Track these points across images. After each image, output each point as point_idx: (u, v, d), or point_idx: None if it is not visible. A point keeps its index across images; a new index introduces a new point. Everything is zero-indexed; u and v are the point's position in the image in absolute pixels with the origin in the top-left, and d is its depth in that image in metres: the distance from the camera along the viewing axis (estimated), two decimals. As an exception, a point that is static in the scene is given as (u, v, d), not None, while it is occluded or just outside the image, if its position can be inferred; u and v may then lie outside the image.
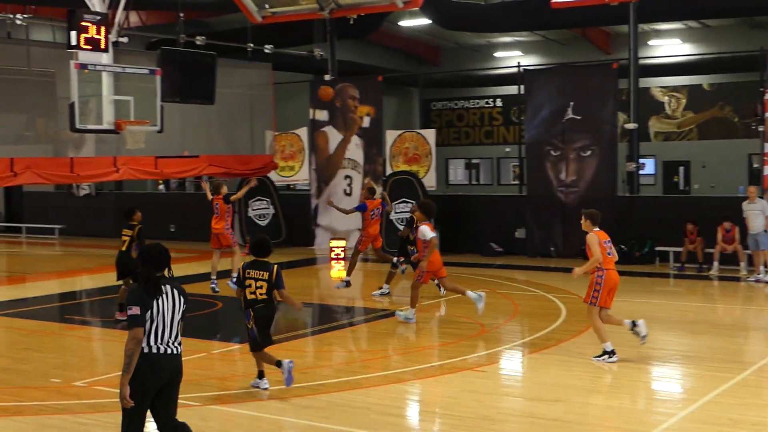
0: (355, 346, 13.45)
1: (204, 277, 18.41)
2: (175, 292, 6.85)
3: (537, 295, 17.22)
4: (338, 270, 22.05)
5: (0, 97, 20.63)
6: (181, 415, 9.32)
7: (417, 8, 25.38)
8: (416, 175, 24.68)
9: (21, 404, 9.84)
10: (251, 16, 24.52)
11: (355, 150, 25.97)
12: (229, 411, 9.43)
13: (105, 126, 16.84)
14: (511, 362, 12.10)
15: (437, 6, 27.63)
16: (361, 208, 17.51)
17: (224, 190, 17.38)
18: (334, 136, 26.27)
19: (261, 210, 26.64)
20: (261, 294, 9.85)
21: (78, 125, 16.30)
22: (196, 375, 11.04)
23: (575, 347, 12.40)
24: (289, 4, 24.93)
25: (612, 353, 11.45)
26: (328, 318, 16.20)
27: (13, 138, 22.14)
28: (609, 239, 11.54)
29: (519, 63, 26.75)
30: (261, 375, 10.26)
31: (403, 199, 24.21)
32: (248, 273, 9.88)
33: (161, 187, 34.77)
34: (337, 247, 23.61)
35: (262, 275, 9.84)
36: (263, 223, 26.56)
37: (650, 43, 33.25)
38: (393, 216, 24.09)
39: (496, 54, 37.26)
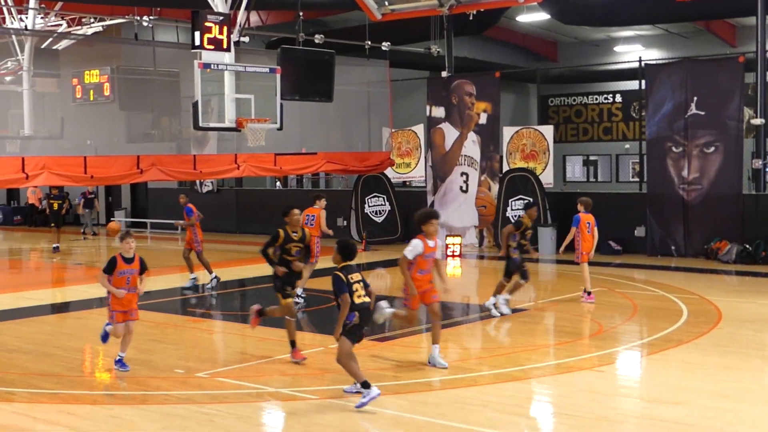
0: (471, 344, 13.42)
1: (319, 273, 18.61)
2: None
3: (657, 294, 16.87)
4: (454, 267, 22.05)
5: (127, 97, 21.35)
6: (300, 408, 9.51)
7: (535, 3, 25.16)
8: (533, 171, 24.49)
9: (147, 393, 10.16)
10: (371, 14, 24.71)
11: (471, 146, 25.92)
12: (347, 405, 9.54)
13: (227, 124, 17.23)
14: (630, 363, 11.90)
15: (556, 0, 27.31)
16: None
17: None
18: (450, 133, 26.26)
19: (377, 206, 26.84)
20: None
21: (201, 123, 16.72)
22: (314, 369, 11.22)
23: (697, 349, 12.11)
24: (409, 1, 25.03)
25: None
26: (443, 314, 16.16)
27: (140, 136, 22.92)
28: None
29: (640, 57, 26.22)
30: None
31: (520, 197, 24.06)
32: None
33: (278, 184, 35.35)
34: (454, 244, 23.59)
35: None
36: (379, 219, 26.75)
37: (778, 35, 32.15)
38: (510, 213, 23.98)
39: (616, 48, 36.62)
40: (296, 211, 11.88)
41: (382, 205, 26.94)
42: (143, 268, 11.15)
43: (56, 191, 26.66)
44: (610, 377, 10.93)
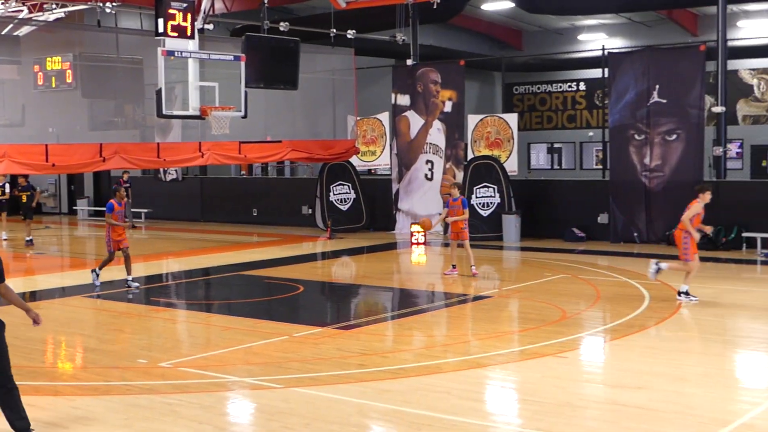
0: (435, 331, 13.46)
1: (283, 261, 18.59)
2: None
3: (619, 281, 17.01)
4: (419, 255, 22.10)
5: (90, 84, 21.14)
6: (264, 397, 9.50)
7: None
8: (498, 159, 24.57)
9: (109, 384, 10.09)
10: (336, 3, 24.61)
11: (436, 134, 25.95)
12: (311, 394, 9.54)
13: (191, 112, 17.12)
14: (593, 348, 11.99)
15: (520, -11, 27.37)
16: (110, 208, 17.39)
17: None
18: (415, 121, 26.28)
19: (342, 194, 26.81)
20: None
21: (165, 111, 16.60)
22: (279, 358, 11.20)
23: (659, 334, 12.23)
24: (373, -11, 24.96)
25: None
26: (407, 302, 16.26)
27: (102, 124, 22.69)
28: None
29: (603, 46, 26.36)
30: None
31: (485, 184, 24.11)
32: None
33: (243, 172, 35.17)
34: (418, 232, 23.62)
35: None
36: (344, 207, 26.73)
37: (739, 24, 32.44)
38: (474, 201, 24.02)
39: (580, 37, 36.78)
40: None
41: (347, 193, 26.91)
42: None
43: (24, 182, 26.05)
44: (574, 363, 11.01)
